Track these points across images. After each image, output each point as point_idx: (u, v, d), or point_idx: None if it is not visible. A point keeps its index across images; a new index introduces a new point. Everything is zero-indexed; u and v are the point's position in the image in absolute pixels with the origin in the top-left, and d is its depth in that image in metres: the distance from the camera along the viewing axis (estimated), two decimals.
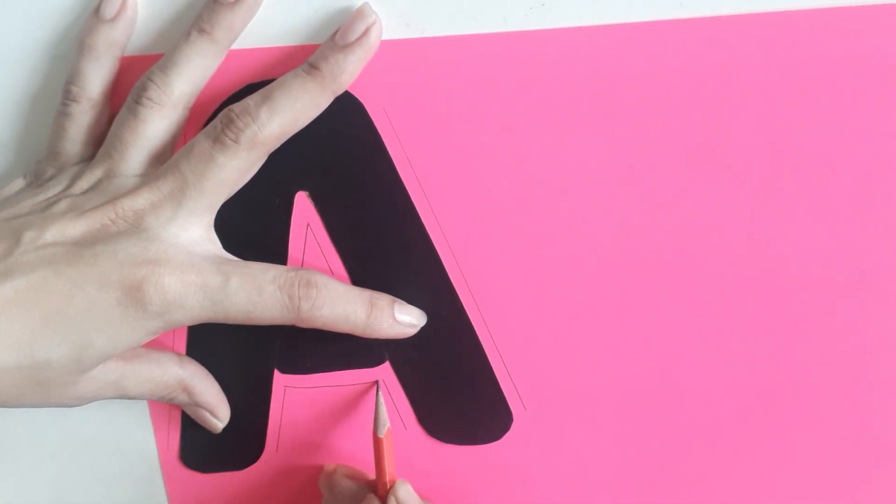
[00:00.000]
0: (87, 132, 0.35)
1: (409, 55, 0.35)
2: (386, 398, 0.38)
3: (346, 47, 0.33)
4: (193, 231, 0.33)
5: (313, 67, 0.33)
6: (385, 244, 0.37)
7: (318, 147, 0.36)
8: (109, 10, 0.34)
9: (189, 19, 0.35)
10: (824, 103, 0.35)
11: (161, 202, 0.32)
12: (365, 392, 0.39)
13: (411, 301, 0.37)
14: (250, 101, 0.33)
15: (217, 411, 0.38)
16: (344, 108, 0.35)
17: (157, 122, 0.33)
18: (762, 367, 0.38)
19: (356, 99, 0.35)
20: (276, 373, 0.39)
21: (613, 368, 0.38)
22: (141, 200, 0.32)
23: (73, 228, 0.31)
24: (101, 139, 0.35)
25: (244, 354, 0.38)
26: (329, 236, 0.37)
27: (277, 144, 0.34)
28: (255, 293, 0.33)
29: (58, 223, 0.31)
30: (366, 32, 0.33)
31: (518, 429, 0.38)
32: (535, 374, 0.38)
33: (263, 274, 0.33)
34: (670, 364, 0.38)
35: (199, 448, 0.40)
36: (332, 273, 0.37)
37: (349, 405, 0.39)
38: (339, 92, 0.34)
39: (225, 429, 0.39)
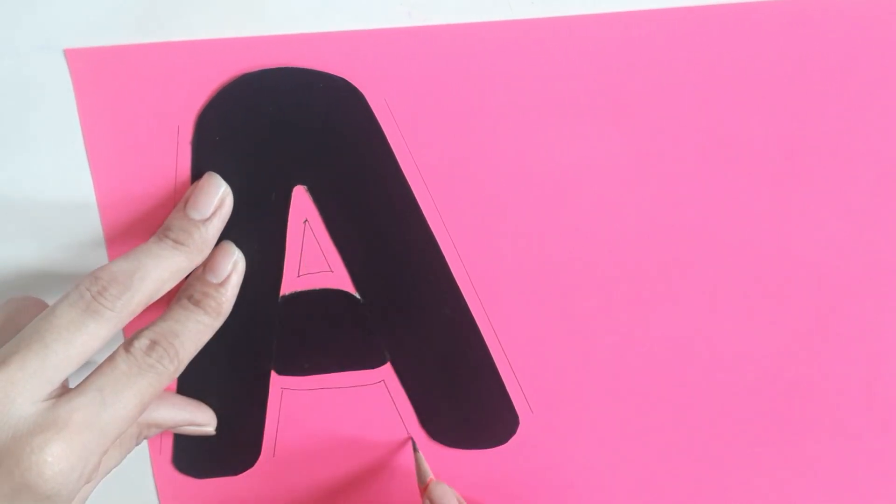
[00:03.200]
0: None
1: (412, 44, 0.34)
2: (387, 401, 0.38)
3: (205, 221, 0.34)
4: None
5: (178, 243, 0.34)
6: (386, 241, 0.37)
7: (317, 139, 0.35)
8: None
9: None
10: (842, 93, 0.35)
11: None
12: (368, 396, 0.38)
13: (414, 300, 0.37)
14: (115, 269, 0.32)
15: (196, 420, 0.38)
16: (344, 98, 0.35)
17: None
18: (777, 369, 0.38)
19: (356, 89, 0.35)
20: (273, 374, 0.39)
21: (623, 370, 0.38)
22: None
23: None
24: None
25: (238, 355, 0.38)
26: (328, 232, 0.37)
27: (137, 314, 0.33)
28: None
29: None
30: (221, 204, 0.35)
31: (525, 433, 0.38)
32: (543, 376, 0.38)
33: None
34: (681, 366, 0.38)
35: (193, 452, 0.39)
36: (331, 271, 0.37)
37: (349, 408, 0.39)
38: (206, 257, 0.35)
39: (219, 433, 0.39)
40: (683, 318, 0.37)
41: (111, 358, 0.32)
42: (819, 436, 0.38)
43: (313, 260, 0.37)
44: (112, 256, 0.36)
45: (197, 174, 0.35)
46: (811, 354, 0.37)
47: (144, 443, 0.39)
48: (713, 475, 0.39)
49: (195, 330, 0.33)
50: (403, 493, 0.40)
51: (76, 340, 0.31)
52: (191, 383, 0.38)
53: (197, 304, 0.34)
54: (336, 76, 0.35)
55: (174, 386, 0.38)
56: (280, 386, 0.39)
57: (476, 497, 0.39)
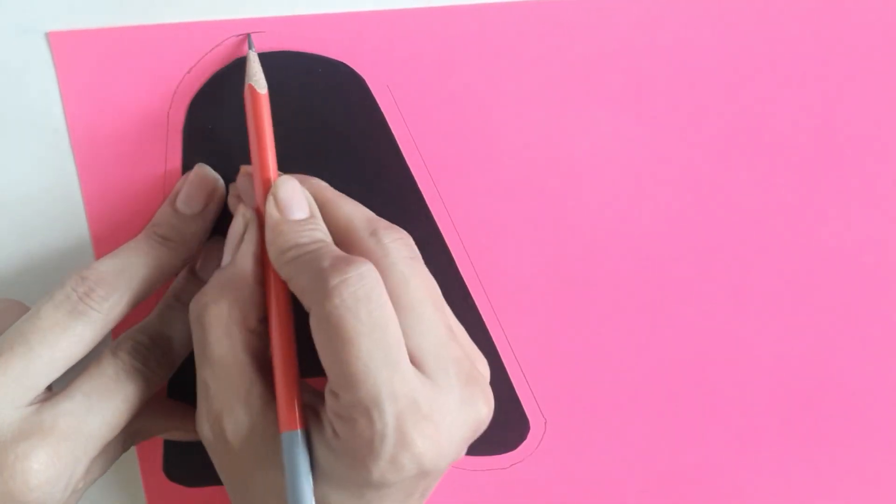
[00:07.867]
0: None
1: (415, 26, 0.34)
2: None
3: (196, 216, 0.34)
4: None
5: (167, 239, 0.33)
6: None
7: (316, 127, 0.35)
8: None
9: None
10: (874, 81, 0.35)
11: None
12: None
13: None
14: (103, 268, 0.32)
15: (187, 426, 0.37)
16: (344, 84, 0.35)
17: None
18: (804, 372, 0.38)
19: (357, 74, 0.35)
20: None
21: (639, 373, 0.38)
22: None
23: None
24: None
25: None
26: None
27: (125, 315, 0.33)
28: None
29: None
30: (212, 197, 0.34)
31: (533, 439, 0.38)
32: (554, 378, 0.38)
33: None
34: (702, 370, 0.38)
35: (185, 460, 0.39)
36: None
37: None
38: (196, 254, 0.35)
39: None
40: (704, 317, 0.37)
41: (98, 361, 0.32)
42: (850, 438, 0.38)
43: None
44: (98, 252, 0.36)
45: (188, 165, 0.35)
46: (838, 354, 0.37)
47: (133, 449, 0.39)
48: (736, 483, 0.39)
49: (185, 332, 0.33)
50: None
51: (61, 343, 0.31)
52: (181, 387, 0.37)
53: (186, 304, 0.33)
54: (336, 60, 0.35)
55: (164, 390, 0.38)
56: None
57: None
